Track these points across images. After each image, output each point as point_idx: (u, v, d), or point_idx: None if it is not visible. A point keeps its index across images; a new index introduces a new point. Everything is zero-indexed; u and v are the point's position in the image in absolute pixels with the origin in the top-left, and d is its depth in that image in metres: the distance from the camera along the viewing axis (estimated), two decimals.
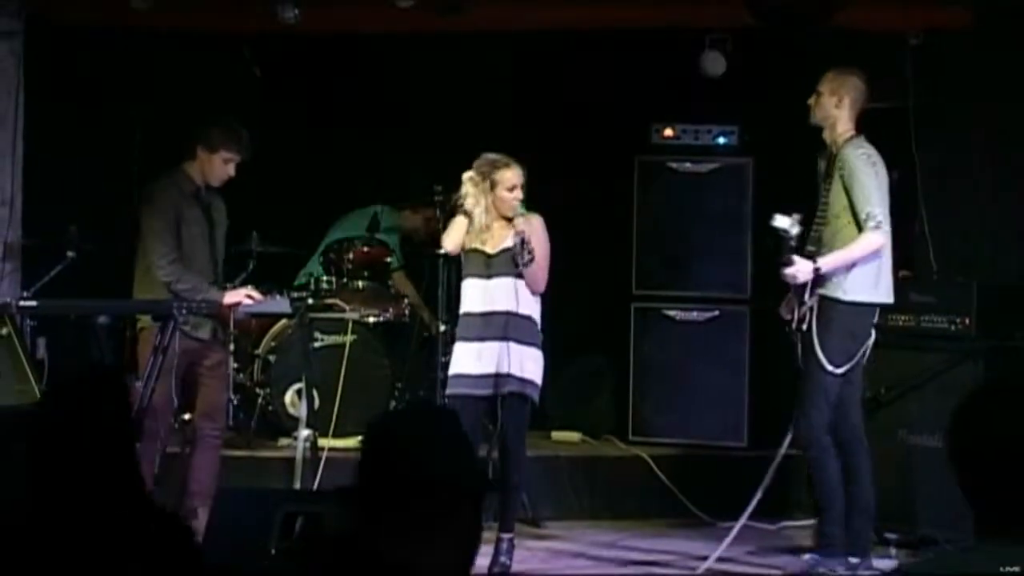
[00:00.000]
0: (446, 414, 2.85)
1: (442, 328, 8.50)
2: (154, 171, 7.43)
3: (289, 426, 8.13)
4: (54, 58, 8.20)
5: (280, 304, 7.42)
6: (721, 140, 8.76)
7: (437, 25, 7.96)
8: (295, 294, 8.26)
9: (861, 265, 6.73)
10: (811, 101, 6.99)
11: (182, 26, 8.29)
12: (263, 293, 7.31)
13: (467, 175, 6.88)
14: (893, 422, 7.52)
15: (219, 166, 7.24)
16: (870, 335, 6.81)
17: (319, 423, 7.84)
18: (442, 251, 7.11)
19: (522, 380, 6.79)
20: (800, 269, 6.66)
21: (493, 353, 6.79)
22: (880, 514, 7.53)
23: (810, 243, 6.81)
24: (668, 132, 8.85)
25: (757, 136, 8.78)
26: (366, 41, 9.21)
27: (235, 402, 8.53)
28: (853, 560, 6.79)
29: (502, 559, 6.89)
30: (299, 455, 7.37)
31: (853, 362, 6.75)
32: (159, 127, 8.21)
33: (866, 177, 6.73)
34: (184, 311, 6.88)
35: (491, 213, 6.85)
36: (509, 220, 6.84)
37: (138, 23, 8.03)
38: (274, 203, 9.09)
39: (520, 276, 6.79)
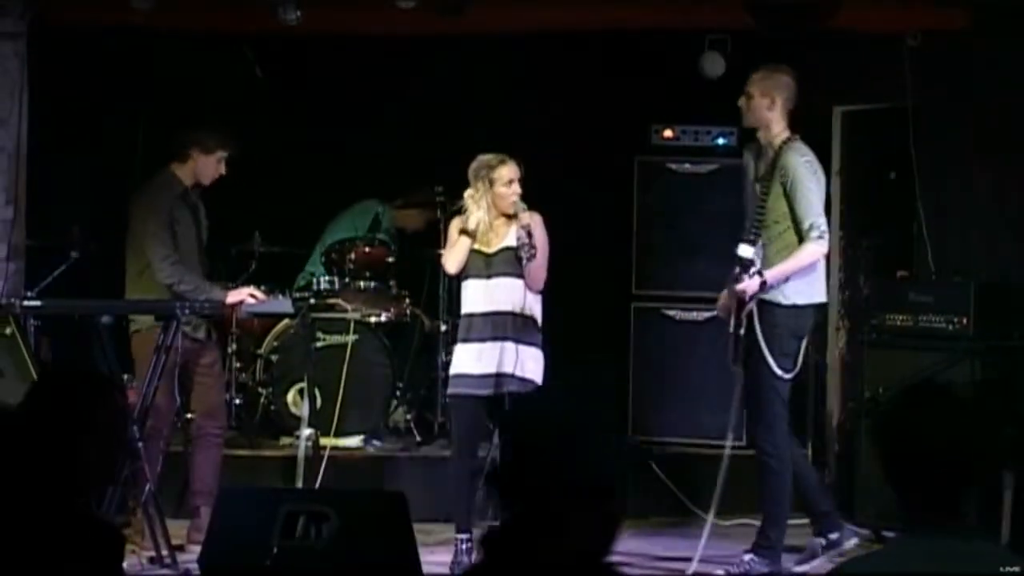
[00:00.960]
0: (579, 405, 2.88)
1: (443, 328, 8.55)
2: (158, 172, 7.47)
3: (291, 425, 8.17)
4: (57, 59, 8.23)
5: (282, 304, 7.46)
6: (720, 141, 8.78)
7: (437, 26, 7.99)
8: (297, 294, 8.30)
9: (798, 271, 6.76)
10: (741, 103, 6.98)
11: (184, 27, 8.31)
12: (265, 293, 7.35)
13: (467, 192, 6.93)
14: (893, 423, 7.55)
15: (214, 165, 7.34)
16: (807, 334, 6.88)
17: (321, 422, 7.88)
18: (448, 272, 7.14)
19: (523, 380, 6.83)
20: (751, 285, 6.68)
21: (494, 353, 6.83)
22: (878, 513, 7.58)
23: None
24: (668, 133, 8.88)
25: (756, 137, 8.79)
26: (367, 42, 9.23)
27: (238, 401, 8.57)
28: (833, 536, 6.95)
29: None
30: (301, 454, 7.41)
31: (800, 362, 6.82)
32: (162, 128, 8.24)
33: (810, 187, 6.73)
34: (187, 311, 6.92)
35: (491, 211, 6.90)
36: (509, 218, 6.90)
37: (140, 24, 8.05)
38: (276, 203, 9.12)
39: (520, 275, 6.83)
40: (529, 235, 6.76)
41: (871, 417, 6.97)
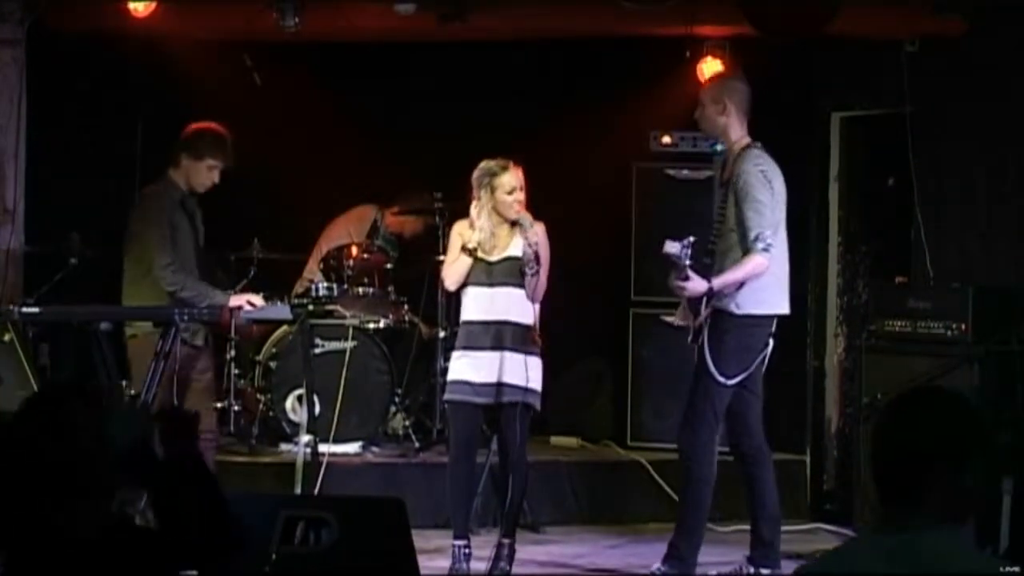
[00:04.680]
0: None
1: (441, 334, 8.55)
2: (157, 178, 7.47)
3: (290, 431, 8.17)
4: (56, 65, 8.24)
5: (281, 310, 7.46)
6: (719, 148, 8.72)
7: (437, 33, 8.00)
8: (296, 300, 8.30)
9: (752, 281, 6.65)
10: (697, 114, 6.87)
11: (183, 33, 8.32)
12: (264, 299, 7.35)
13: (473, 204, 6.90)
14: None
15: (204, 173, 7.30)
16: (767, 345, 6.74)
17: (320, 429, 7.87)
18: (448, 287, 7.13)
19: (523, 389, 6.81)
20: (695, 286, 6.56)
21: (494, 362, 6.81)
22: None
23: (706, 255, 6.72)
24: (666, 139, 8.90)
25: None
26: (366, 48, 9.25)
27: (236, 408, 8.57)
28: (764, 572, 6.76)
29: (502, 564, 6.92)
30: (300, 460, 7.39)
31: (747, 373, 6.68)
32: (160, 134, 8.24)
33: (760, 197, 6.59)
34: (186, 318, 6.92)
35: (493, 219, 6.88)
36: (512, 225, 6.87)
37: (139, 31, 8.06)
38: (275, 210, 9.13)
39: (521, 285, 6.81)
40: (536, 256, 6.72)
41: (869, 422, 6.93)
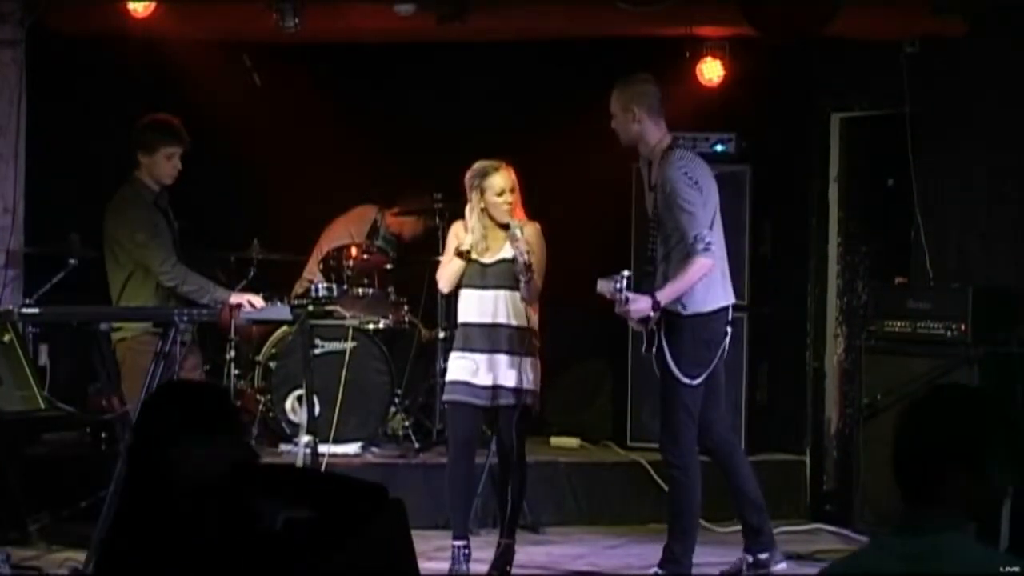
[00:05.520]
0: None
1: (441, 335, 8.55)
2: (125, 182, 7.47)
3: (290, 432, 8.17)
4: (56, 65, 8.24)
5: (281, 311, 7.45)
6: (719, 148, 8.78)
7: (437, 33, 8.00)
8: (295, 300, 8.30)
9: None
10: (613, 125, 6.79)
11: (183, 34, 8.32)
12: (264, 299, 7.35)
13: (468, 207, 6.89)
14: (890, 428, 7.51)
15: (163, 164, 7.31)
16: (724, 336, 6.71)
17: (319, 429, 7.86)
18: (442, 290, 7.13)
19: (521, 390, 6.80)
20: (640, 307, 6.55)
21: (491, 366, 6.80)
22: (877, 519, 7.57)
23: (647, 261, 6.72)
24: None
25: (754, 144, 8.82)
26: (365, 49, 9.25)
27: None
28: (762, 556, 6.79)
29: (502, 564, 6.91)
30: (300, 461, 7.39)
31: (710, 369, 6.66)
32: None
33: (689, 198, 6.53)
34: (185, 318, 6.92)
35: (485, 221, 6.87)
36: (505, 227, 6.87)
37: (139, 31, 8.06)
38: (275, 210, 9.13)
39: (515, 288, 6.80)
40: (528, 264, 6.70)
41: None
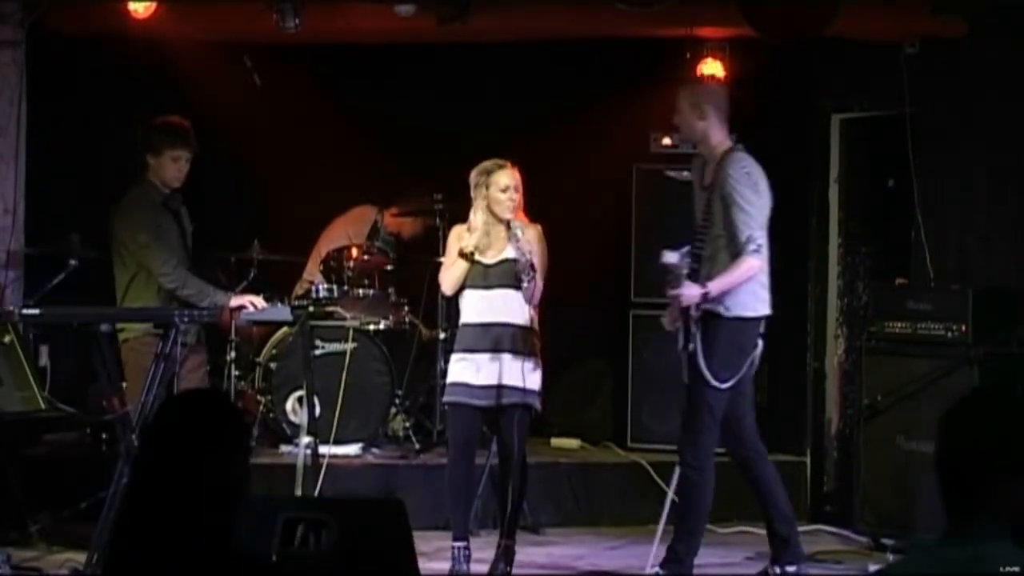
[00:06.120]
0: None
1: (441, 336, 8.55)
2: (135, 183, 7.47)
3: (290, 433, 8.17)
4: (56, 66, 8.24)
5: (281, 312, 7.45)
6: None
7: (437, 33, 8.00)
8: (296, 301, 8.30)
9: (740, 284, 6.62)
10: (676, 120, 6.83)
11: (183, 34, 8.32)
12: (265, 300, 7.35)
13: (472, 208, 6.92)
14: (890, 428, 7.57)
15: (169, 166, 7.33)
16: (756, 346, 6.71)
17: (320, 430, 7.87)
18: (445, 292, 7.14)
19: (522, 391, 6.81)
20: (690, 293, 6.56)
21: (493, 366, 6.80)
22: (878, 520, 7.58)
23: (693, 260, 6.69)
24: (666, 141, 8.89)
25: (754, 144, 8.80)
26: (366, 49, 9.25)
27: None
28: (790, 568, 6.75)
29: (502, 565, 6.92)
30: (300, 462, 7.39)
31: (740, 374, 6.65)
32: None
33: (749, 199, 6.58)
34: (186, 319, 6.92)
35: (488, 217, 6.88)
36: (507, 226, 6.87)
37: (139, 32, 8.06)
38: (275, 211, 9.13)
39: (517, 287, 6.81)
40: (531, 264, 6.71)
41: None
